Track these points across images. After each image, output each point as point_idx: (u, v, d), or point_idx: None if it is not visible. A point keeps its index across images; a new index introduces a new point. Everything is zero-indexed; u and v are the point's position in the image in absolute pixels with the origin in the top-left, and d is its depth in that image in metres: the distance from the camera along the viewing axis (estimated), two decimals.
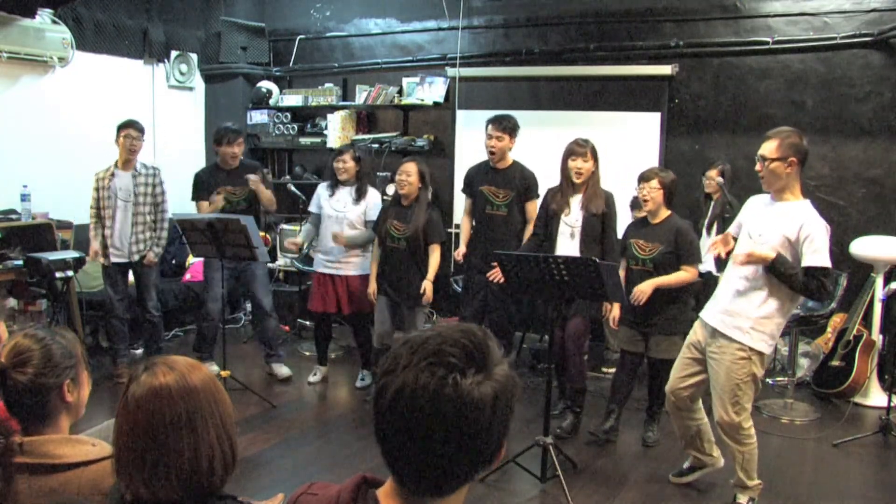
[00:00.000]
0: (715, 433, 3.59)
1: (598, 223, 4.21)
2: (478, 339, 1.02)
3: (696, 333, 3.48)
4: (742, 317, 3.22)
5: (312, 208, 5.06)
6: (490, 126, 4.62)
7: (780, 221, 3.16)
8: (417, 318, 4.69)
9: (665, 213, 4.03)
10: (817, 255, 3.06)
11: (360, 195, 4.88)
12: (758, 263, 3.15)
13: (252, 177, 5.00)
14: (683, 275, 3.94)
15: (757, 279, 3.20)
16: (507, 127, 4.58)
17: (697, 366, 3.46)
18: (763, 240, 3.19)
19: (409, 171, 4.58)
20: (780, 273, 3.10)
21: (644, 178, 4.02)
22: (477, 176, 4.79)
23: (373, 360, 5.06)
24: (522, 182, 4.64)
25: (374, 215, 4.80)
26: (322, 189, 5.04)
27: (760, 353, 3.23)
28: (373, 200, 4.89)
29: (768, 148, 3.17)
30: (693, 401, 3.56)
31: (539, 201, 4.52)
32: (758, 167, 3.20)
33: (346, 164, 4.86)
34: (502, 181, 4.66)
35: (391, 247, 4.64)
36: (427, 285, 4.58)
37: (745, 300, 3.22)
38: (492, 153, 4.64)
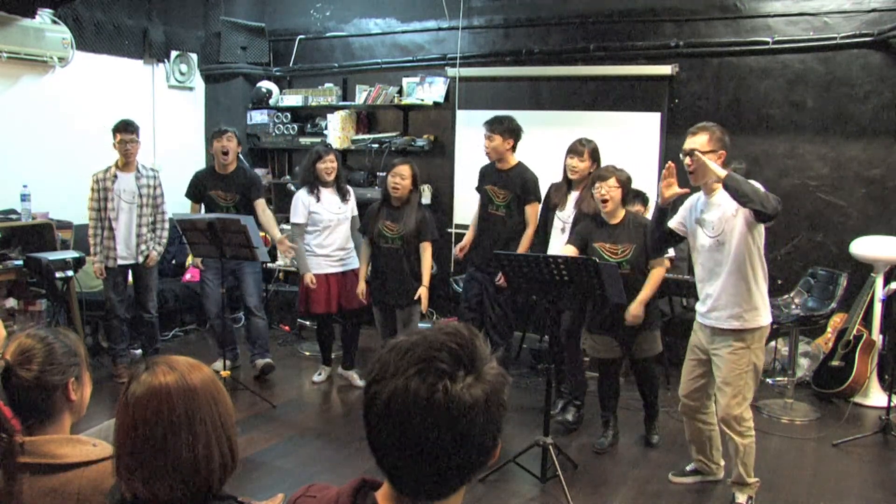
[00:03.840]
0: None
1: None
2: (464, 339, 1.01)
3: (696, 335, 3.54)
4: (731, 306, 3.30)
5: (299, 219, 4.96)
6: (484, 127, 4.62)
7: (721, 209, 3.27)
8: (414, 316, 4.71)
9: (622, 212, 3.98)
10: None
11: (344, 194, 5.01)
12: (710, 176, 3.21)
13: (282, 247, 5.12)
14: (660, 273, 3.93)
15: (724, 265, 3.29)
16: (499, 128, 4.54)
17: (703, 367, 3.52)
18: (715, 232, 3.30)
19: (404, 174, 4.58)
20: (736, 182, 3.09)
21: (601, 177, 3.90)
22: (486, 175, 4.79)
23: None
24: (521, 185, 4.64)
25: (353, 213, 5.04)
26: (304, 196, 4.95)
27: (759, 330, 3.31)
28: (352, 198, 5.10)
29: (699, 141, 3.27)
30: (705, 402, 3.60)
31: (540, 205, 4.58)
32: (687, 161, 3.28)
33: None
34: (504, 182, 4.65)
35: (385, 247, 4.66)
36: (423, 292, 4.60)
37: (726, 289, 3.30)
38: (487, 154, 4.64)
